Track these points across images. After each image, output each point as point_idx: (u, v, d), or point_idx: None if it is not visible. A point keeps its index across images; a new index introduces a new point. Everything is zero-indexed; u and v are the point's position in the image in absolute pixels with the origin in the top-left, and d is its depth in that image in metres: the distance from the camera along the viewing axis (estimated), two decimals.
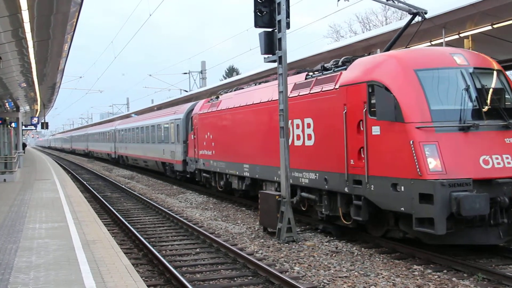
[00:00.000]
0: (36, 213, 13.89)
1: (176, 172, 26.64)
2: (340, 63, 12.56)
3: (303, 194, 13.41)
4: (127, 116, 55.33)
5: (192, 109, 24.12)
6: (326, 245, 11.89)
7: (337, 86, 11.79)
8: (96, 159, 58.47)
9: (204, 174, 21.53)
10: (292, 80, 13.86)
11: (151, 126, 32.69)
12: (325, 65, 13.09)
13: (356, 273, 9.55)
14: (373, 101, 10.67)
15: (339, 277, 9.29)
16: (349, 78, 11.51)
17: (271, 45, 12.64)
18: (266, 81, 17.05)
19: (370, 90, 10.74)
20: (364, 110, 10.83)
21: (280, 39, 12.40)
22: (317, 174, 12.55)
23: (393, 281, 8.97)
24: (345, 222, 12.05)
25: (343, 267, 9.98)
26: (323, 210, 12.61)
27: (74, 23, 13.79)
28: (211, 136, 20.15)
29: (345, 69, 11.96)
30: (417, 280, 9.03)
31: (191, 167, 23.22)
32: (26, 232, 11.09)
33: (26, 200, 16.76)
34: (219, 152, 19.34)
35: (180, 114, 26.22)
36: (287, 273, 9.55)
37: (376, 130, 10.55)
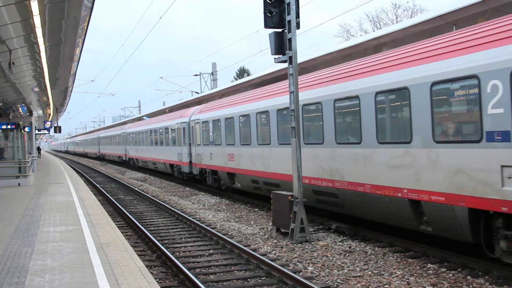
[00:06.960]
0: (50, 216, 13.99)
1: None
2: None
3: None
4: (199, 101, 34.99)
5: None
6: (339, 244, 11.86)
7: None
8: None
9: None
10: None
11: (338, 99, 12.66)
12: None
13: (369, 272, 9.51)
14: None
15: (353, 276, 9.27)
16: None
17: (281, 45, 12.65)
18: None
19: None
20: None
21: (290, 39, 12.40)
22: None
23: (407, 280, 8.93)
24: None
25: (357, 266, 9.95)
26: None
27: (85, 27, 13.85)
28: None
29: None
30: (432, 279, 8.98)
31: None
32: (41, 236, 11.17)
33: (40, 204, 16.89)
34: None
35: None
36: (301, 273, 9.55)
37: None
